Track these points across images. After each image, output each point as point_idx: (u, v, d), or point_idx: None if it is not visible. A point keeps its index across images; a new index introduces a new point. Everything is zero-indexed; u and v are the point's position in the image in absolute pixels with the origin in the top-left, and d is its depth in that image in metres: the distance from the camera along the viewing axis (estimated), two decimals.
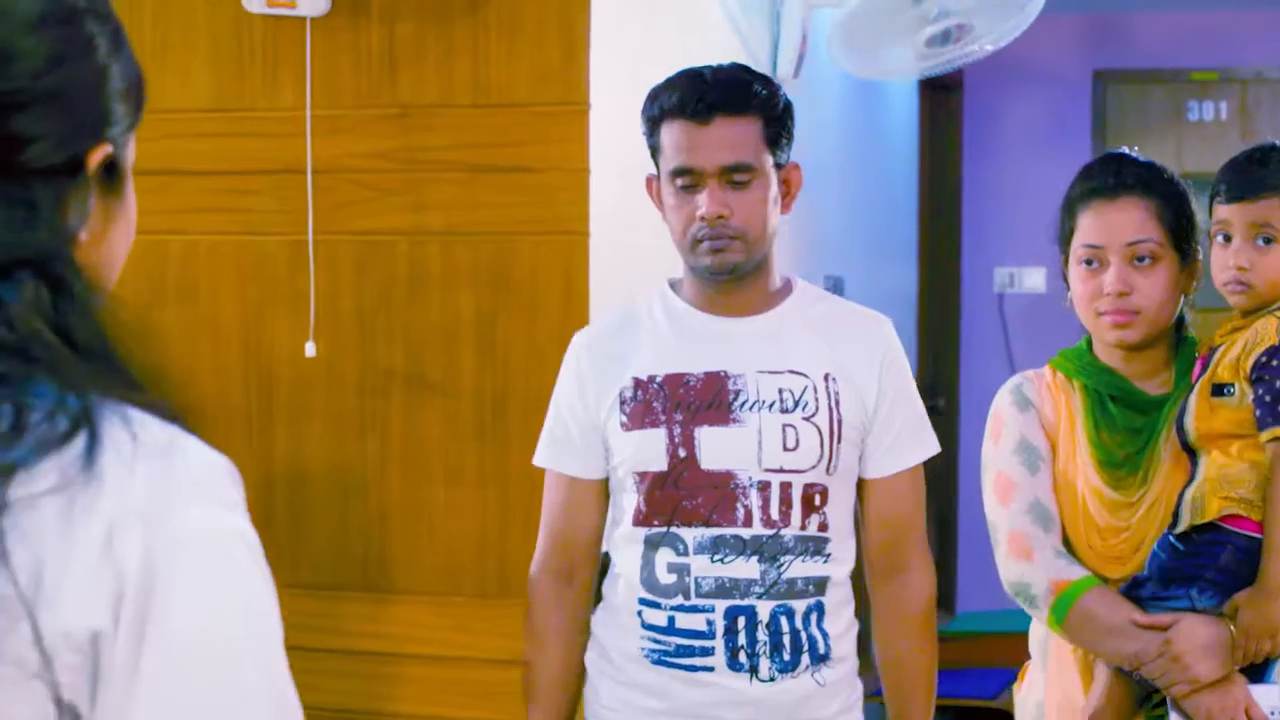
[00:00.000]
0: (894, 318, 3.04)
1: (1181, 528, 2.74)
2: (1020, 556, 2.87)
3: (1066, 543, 2.88)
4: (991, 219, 8.18)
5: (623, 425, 2.88)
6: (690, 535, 2.83)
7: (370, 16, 3.76)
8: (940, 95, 8.05)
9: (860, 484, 2.94)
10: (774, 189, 2.85)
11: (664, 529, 2.84)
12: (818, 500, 2.84)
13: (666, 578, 2.85)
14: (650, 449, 2.85)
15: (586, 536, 2.99)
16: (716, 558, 2.81)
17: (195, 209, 3.86)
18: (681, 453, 2.83)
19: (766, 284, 2.93)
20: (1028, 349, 7.66)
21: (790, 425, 2.83)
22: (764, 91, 2.85)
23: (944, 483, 7.55)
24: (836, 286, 5.76)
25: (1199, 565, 2.72)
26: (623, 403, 2.89)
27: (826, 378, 2.87)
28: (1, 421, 1.14)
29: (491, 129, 3.69)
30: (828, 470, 2.85)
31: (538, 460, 3.01)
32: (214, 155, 3.85)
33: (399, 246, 3.77)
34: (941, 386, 8.00)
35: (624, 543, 2.91)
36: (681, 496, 2.84)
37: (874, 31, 4.57)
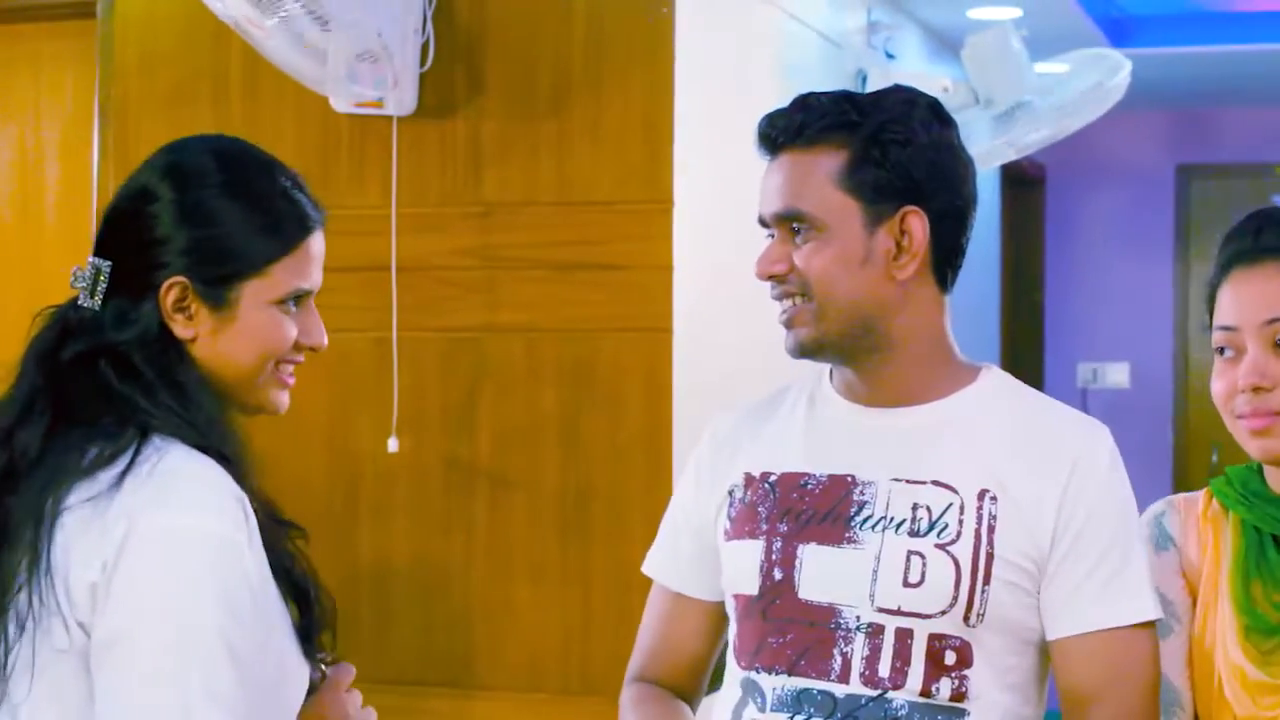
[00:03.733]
0: None
1: None
2: None
3: None
4: (1074, 313, 8.15)
5: (725, 532, 2.23)
6: (770, 686, 2.13)
7: (456, 116, 3.80)
8: (1023, 190, 8.04)
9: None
10: (858, 246, 2.13)
11: (748, 672, 2.16)
12: (950, 659, 2.08)
13: None
14: (745, 565, 2.18)
15: (687, 663, 2.34)
16: (797, 719, 2.11)
17: None
18: (777, 574, 2.14)
19: (918, 367, 2.18)
20: None
21: (917, 553, 2.09)
22: (854, 115, 2.14)
23: None
24: None
25: None
26: (731, 503, 2.24)
27: (982, 496, 2.10)
28: (77, 455, 1.84)
29: (575, 227, 3.72)
30: (967, 619, 2.08)
31: (644, 566, 2.39)
32: None
33: (482, 343, 3.79)
34: None
35: (728, 684, 2.22)
36: (768, 632, 2.14)
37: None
